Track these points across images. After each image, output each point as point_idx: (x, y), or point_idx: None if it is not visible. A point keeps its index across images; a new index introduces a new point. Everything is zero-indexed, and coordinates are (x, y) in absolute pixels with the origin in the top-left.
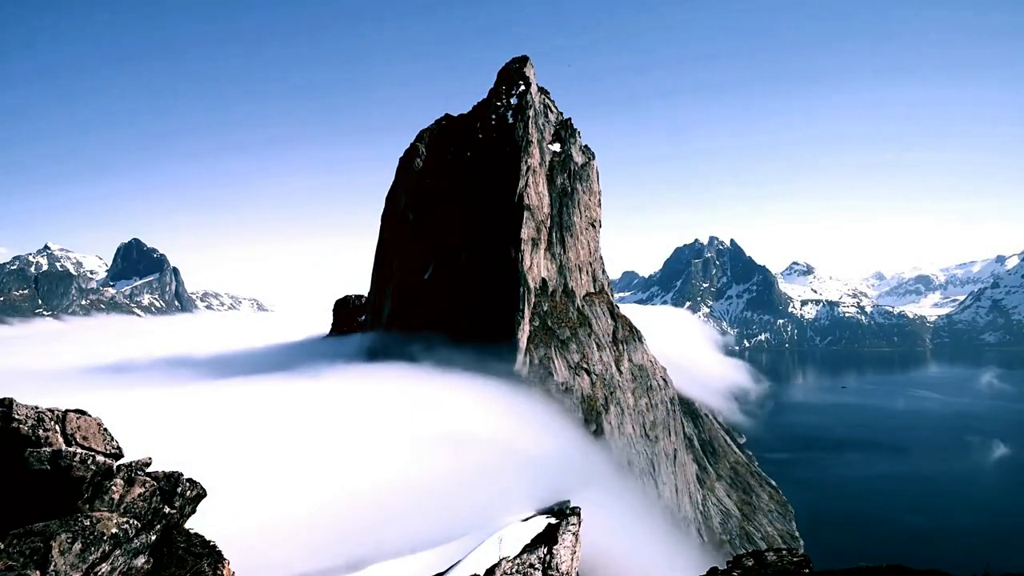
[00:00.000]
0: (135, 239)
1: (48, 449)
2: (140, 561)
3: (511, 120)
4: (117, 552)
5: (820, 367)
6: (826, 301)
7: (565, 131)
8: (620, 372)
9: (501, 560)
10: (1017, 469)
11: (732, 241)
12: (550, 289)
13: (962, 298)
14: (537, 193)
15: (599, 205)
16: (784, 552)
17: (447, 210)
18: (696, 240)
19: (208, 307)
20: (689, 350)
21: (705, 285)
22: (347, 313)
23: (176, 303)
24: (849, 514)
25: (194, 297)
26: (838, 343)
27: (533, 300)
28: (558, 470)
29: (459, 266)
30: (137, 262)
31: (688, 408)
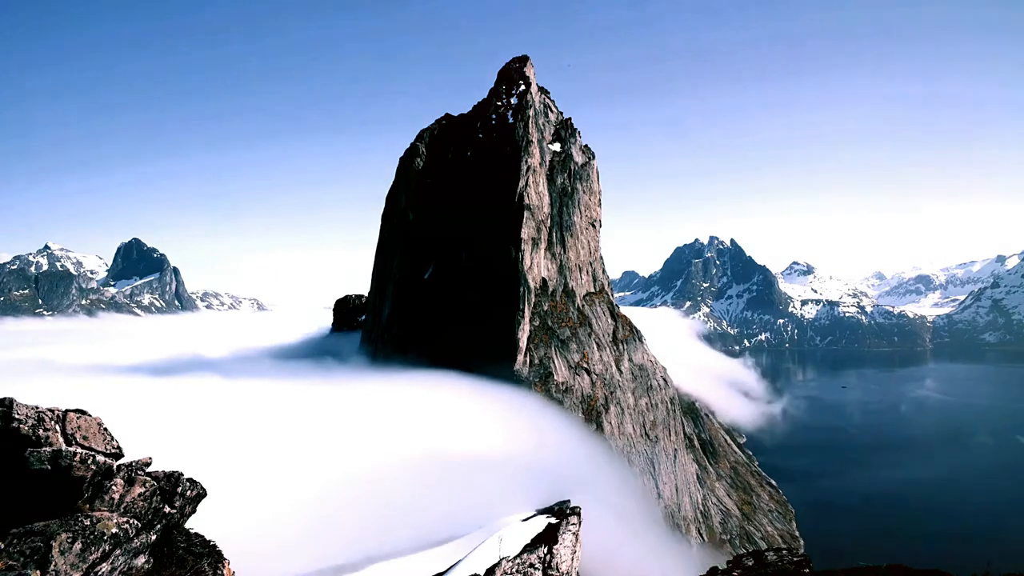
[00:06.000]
0: (135, 239)
1: (48, 449)
2: (140, 561)
3: (511, 120)
4: (117, 552)
5: (820, 367)
6: (826, 301)
7: (565, 131)
8: (620, 372)
9: (501, 560)
10: (1018, 469)
11: (732, 241)
12: (550, 289)
13: (962, 298)
14: (537, 193)
15: (599, 205)
16: (784, 552)
17: (447, 210)
18: (696, 240)
19: (208, 307)
20: (689, 350)
21: (705, 285)
22: (347, 313)
23: (176, 303)
24: (849, 514)
25: (194, 297)
26: (838, 343)
27: (533, 300)
28: (558, 470)
29: (459, 266)
30: (137, 262)
31: (688, 408)
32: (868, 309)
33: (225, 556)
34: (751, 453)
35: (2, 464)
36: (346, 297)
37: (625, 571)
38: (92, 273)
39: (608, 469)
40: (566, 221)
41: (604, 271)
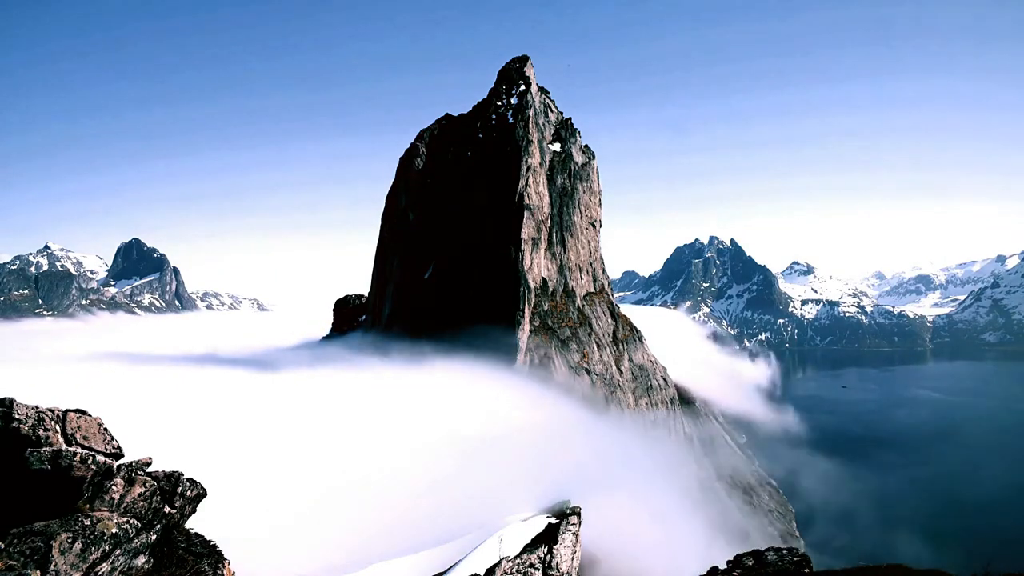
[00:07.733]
0: (135, 239)
1: (48, 449)
2: (140, 561)
3: (511, 120)
4: (117, 552)
5: (820, 366)
6: (826, 301)
7: (565, 131)
8: (620, 372)
9: (501, 560)
10: (1018, 468)
11: (732, 241)
12: (550, 289)
13: (962, 298)
14: (537, 193)
15: (599, 205)
16: (784, 552)
17: (447, 210)
18: (696, 240)
19: (208, 307)
20: (689, 349)
21: (705, 285)
22: (347, 313)
23: (176, 303)
24: (850, 514)
25: (194, 297)
26: (838, 343)
27: (533, 300)
28: (560, 468)
29: (459, 266)
30: (137, 262)
31: (688, 408)
32: (868, 309)
33: (225, 556)
34: (751, 453)
35: (2, 464)
36: (346, 297)
37: (637, 560)
38: (92, 273)
39: (612, 463)
40: (566, 221)
41: (604, 271)
